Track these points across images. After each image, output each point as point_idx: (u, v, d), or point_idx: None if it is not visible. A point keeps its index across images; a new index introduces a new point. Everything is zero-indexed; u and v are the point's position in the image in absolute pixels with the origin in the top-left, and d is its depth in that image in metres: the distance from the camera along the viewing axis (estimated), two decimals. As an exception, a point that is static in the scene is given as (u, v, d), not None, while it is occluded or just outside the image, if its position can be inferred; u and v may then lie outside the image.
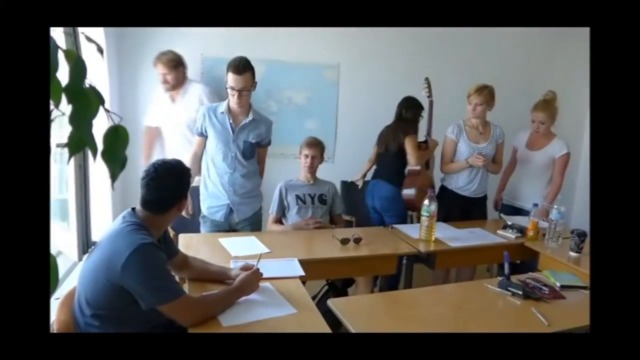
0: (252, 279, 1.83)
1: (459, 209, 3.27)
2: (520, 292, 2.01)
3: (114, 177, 0.57)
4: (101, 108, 0.52)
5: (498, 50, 4.31)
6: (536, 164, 3.34)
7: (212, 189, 2.79)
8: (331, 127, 4.09)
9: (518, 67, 4.37)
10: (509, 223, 3.00)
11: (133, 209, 1.71)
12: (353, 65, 4.06)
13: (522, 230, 2.89)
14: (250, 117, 2.74)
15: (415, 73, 4.19)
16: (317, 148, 3.01)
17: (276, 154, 3.79)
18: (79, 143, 0.53)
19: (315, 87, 4.01)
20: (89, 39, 0.61)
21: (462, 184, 3.30)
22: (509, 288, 2.05)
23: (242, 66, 2.58)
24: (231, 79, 2.58)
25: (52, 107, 0.53)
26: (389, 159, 3.26)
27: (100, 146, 0.59)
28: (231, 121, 2.70)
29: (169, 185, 1.67)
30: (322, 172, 3.15)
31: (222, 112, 2.72)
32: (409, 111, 3.31)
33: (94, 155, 0.56)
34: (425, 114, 3.37)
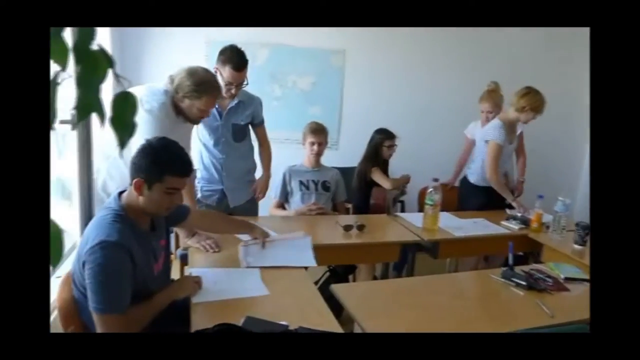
0: (186, 283, 1.77)
1: (482, 199, 3.23)
2: (524, 283, 2.00)
3: (122, 143, 0.55)
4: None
5: (506, 42, 4.26)
6: None
7: (205, 174, 2.77)
8: (335, 113, 4.06)
9: (528, 64, 4.32)
10: (513, 214, 2.98)
11: (120, 192, 1.65)
12: (359, 51, 4.02)
13: (525, 222, 2.87)
14: (236, 100, 2.68)
15: (421, 61, 4.16)
16: (322, 134, 2.98)
17: (279, 139, 3.77)
18: (87, 108, 0.51)
19: (321, 72, 3.98)
20: None
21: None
22: (513, 278, 2.04)
23: (242, 63, 2.53)
24: (229, 74, 2.51)
25: (58, 69, 0.51)
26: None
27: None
28: (217, 106, 2.63)
29: (134, 155, 1.57)
30: (326, 158, 3.12)
31: None
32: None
33: (102, 121, 0.53)
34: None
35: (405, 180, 3.29)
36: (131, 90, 0.59)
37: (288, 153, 3.32)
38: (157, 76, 3.54)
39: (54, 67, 0.51)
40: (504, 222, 2.91)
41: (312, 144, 2.96)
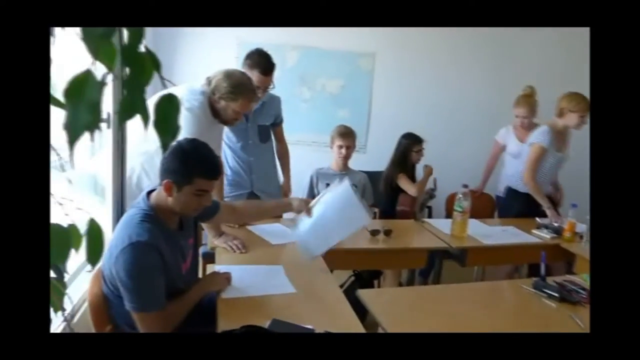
0: (218, 278, 1.79)
1: (524, 206, 3.18)
2: (557, 295, 1.94)
3: (164, 146, 0.55)
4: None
5: (537, 46, 4.17)
6: None
7: (231, 177, 2.76)
8: (364, 116, 4.05)
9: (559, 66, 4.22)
10: (545, 223, 2.90)
11: (149, 192, 1.67)
12: (389, 54, 4.00)
13: (557, 231, 2.80)
14: (262, 100, 2.69)
15: (450, 65, 4.11)
16: (350, 138, 2.97)
17: (307, 141, 3.78)
18: (132, 109, 0.51)
19: (350, 75, 3.97)
20: None
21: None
22: (545, 289, 1.99)
23: (269, 68, 2.56)
24: (257, 78, 2.52)
25: (105, 71, 0.51)
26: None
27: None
28: (252, 104, 2.64)
29: (165, 157, 1.57)
30: (353, 162, 3.11)
31: None
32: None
33: (146, 123, 0.54)
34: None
35: (428, 172, 3.22)
36: (171, 89, 0.60)
37: (316, 156, 3.33)
38: (189, 77, 3.60)
39: (101, 68, 0.52)
40: (535, 231, 2.84)
41: (340, 147, 2.95)
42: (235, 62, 3.69)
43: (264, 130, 2.76)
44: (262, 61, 2.54)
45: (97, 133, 0.54)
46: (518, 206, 3.14)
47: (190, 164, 1.57)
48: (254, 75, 2.51)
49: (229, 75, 2.23)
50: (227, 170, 2.76)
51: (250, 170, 2.74)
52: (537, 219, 3.01)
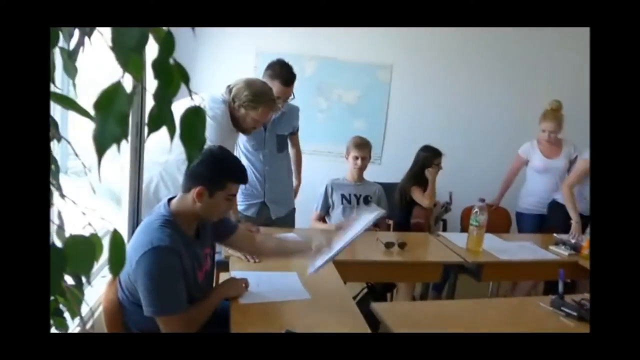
0: (236, 283, 1.81)
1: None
2: (575, 314, 1.90)
3: (190, 159, 0.55)
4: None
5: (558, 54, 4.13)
6: (559, 169, 3.33)
7: (245, 186, 2.68)
8: (380, 128, 4.04)
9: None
10: (563, 239, 2.86)
11: (170, 199, 1.68)
12: (406, 66, 4.00)
13: (576, 248, 2.75)
14: (280, 110, 2.70)
15: (468, 78, 4.09)
16: (366, 149, 2.96)
17: (323, 151, 3.78)
18: (159, 121, 0.52)
19: (367, 86, 3.97)
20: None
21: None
22: (563, 308, 1.95)
23: (291, 78, 2.57)
24: (278, 89, 2.52)
25: (135, 83, 0.52)
26: None
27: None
28: (272, 113, 2.61)
29: (195, 165, 1.59)
30: (368, 173, 3.10)
31: None
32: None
33: (172, 135, 0.54)
34: None
35: (432, 175, 3.16)
36: (194, 97, 0.60)
37: (332, 166, 3.33)
38: (207, 85, 3.63)
39: (129, 79, 0.52)
40: (552, 247, 2.79)
41: (356, 158, 2.95)
42: (253, 71, 3.73)
43: (282, 140, 2.77)
44: (283, 72, 2.55)
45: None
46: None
47: (223, 169, 1.62)
48: (275, 86, 2.52)
49: (250, 84, 2.25)
50: None
51: (265, 180, 2.73)
52: (555, 235, 2.97)
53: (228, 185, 1.62)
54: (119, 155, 1.97)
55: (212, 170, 1.59)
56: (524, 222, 3.45)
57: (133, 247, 1.55)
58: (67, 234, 0.60)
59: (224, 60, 3.80)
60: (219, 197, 1.61)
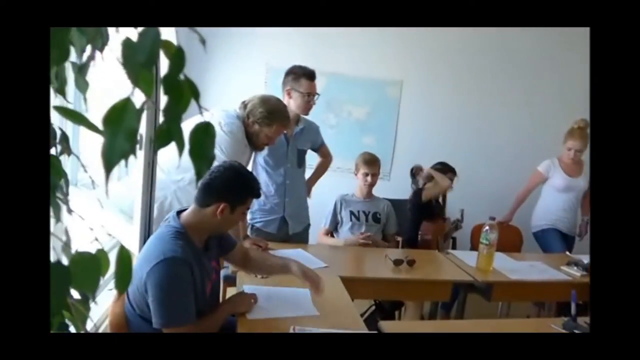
0: (245, 299, 1.79)
1: None
2: (588, 336, 1.86)
3: (199, 175, 0.54)
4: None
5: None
6: (581, 189, 3.32)
7: (264, 201, 2.70)
8: (389, 144, 4.03)
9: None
10: (575, 259, 2.81)
11: (179, 212, 1.68)
12: (416, 82, 4.00)
13: (588, 268, 2.70)
14: (300, 126, 2.72)
15: (478, 94, 4.09)
16: (376, 165, 2.95)
17: (332, 167, 3.75)
18: (167, 136, 0.51)
19: (376, 102, 3.98)
20: (193, 30, 0.59)
21: None
22: (575, 331, 1.91)
23: (314, 73, 2.61)
24: (307, 85, 2.57)
25: (144, 99, 0.51)
26: None
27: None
28: (285, 131, 2.66)
29: (217, 179, 1.61)
30: (377, 189, 3.09)
31: None
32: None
33: (181, 151, 0.53)
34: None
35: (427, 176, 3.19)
36: (206, 113, 0.59)
37: (341, 181, 3.31)
38: (218, 101, 3.67)
39: (140, 95, 0.52)
40: (564, 268, 2.74)
41: (366, 174, 2.93)
42: (264, 87, 3.75)
43: (302, 154, 2.77)
44: (305, 69, 2.59)
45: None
46: None
47: (246, 185, 1.67)
48: (304, 84, 2.56)
49: (266, 100, 2.27)
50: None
51: (285, 194, 2.70)
52: (568, 253, 2.92)
53: (248, 200, 1.68)
54: (132, 171, 1.97)
55: (236, 187, 1.64)
56: (548, 237, 3.36)
57: (144, 259, 1.55)
58: (73, 251, 0.59)
59: (234, 76, 3.83)
60: (238, 212, 1.66)
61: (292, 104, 2.61)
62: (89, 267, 0.56)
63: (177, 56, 0.51)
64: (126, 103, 0.48)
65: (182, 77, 0.52)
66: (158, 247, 1.54)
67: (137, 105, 0.50)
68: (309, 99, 2.60)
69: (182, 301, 1.53)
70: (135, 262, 1.69)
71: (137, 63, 0.48)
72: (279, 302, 1.87)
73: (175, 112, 0.51)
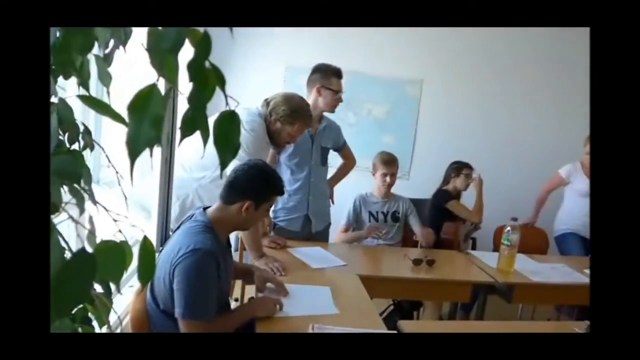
0: (269, 303, 1.75)
1: None
2: (614, 340, 1.81)
3: (224, 164, 0.54)
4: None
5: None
6: None
7: (287, 199, 2.68)
8: (408, 143, 4.00)
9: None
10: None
11: (205, 208, 1.70)
12: (436, 81, 3.96)
13: (613, 272, 2.63)
14: (324, 123, 2.71)
15: (499, 94, 4.03)
16: (394, 165, 2.92)
17: (350, 165, 3.75)
18: (193, 125, 0.50)
19: (396, 101, 3.95)
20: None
21: None
22: (600, 334, 1.85)
23: (341, 71, 2.60)
24: (336, 83, 2.57)
25: (170, 87, 0.51)
26: None
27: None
28: (309, 130, 2.64)
29: (242, 177, 1.65)
30: (396, 188, 3.06)
31: None
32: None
33: (205, 140, 0.53)
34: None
35: (478, 184, 3.16)
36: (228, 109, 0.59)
37: (360, 180, 3.28)
38: (238, 98, 3.66)
39: (163, 83, 0.51)
40: (587, 271, 2.68)
41: (384, 175, 2.90)
42: (283, 85, 3.76)
43: (325, 152, 2.76)
44: (333, 67, 2.59)
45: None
46: None
47: (269, 183, 1.70)
48: (334, 82, 2.56)
49: (289, 99, 2.27)
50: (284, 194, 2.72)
51: (309, 192, 2.69)
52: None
53: (272, 198, 1.71)
54: (151, 169, 1.99)
55: (261, 185, 1.67)
56: (568, 242, 3.27)
57: (172, 250, 1.56)
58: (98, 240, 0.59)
59: (253, 75, 3.84)
60: (263, 209, 1.69)
61: (321, 101, 2.60)
62: (114, 256, 0.56)
63: (203, 42, 0.50)
64: (152, 89, 0.48)
65: (207, 64, 0.51)
66: (188, 239, 1.55)
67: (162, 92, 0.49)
68: (338, 96, 2.59)
69: (203, 295, 1.53)
70: (157, 257, 1.70)
71: (162, 49, 0.48)
72: (299, 300, 1.86)
73: (200, 100, 0.50)
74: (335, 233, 2.97)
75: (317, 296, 1.91)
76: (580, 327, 1.93)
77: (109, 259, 0.55)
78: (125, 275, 0.69)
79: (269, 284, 1.88)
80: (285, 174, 2.67)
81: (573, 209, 3.26)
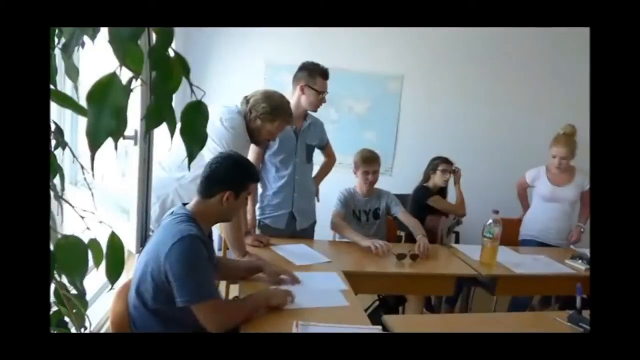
0: (281, 294, 1.76)
1: None
2: (594, 329, 1.83)
3: (191, 156, 0.52)
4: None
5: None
6: (567, 198, 3.14)
7: (272, 196, 2.68)
8: (390, 139, 4.01)
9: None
10: (580, 253, 2.78)
11: (184, 204, 1.71)
12: (417, 77, 3.97)
13: (593, 262, 2.67)
14: (309, 121, 2.70)
15: (481, 90, 4.06)
16: (376, 163, 2.88)
17: (333, 162, 3.74)
18: (158, 116, 0.49)
19: (377, 97, 3.95)
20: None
21: None
22: (581, 323, 1.88)
23: (328, 72, 2.59)
24: (322, 83, 2.56)
25: (132, 76, 0.49)
26: None
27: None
28: (293, 127, 2.63)
29: (218, 169, 1.67)
30: (379, 184, 3.04)
31: None
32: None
33: (172, 131, 0.51)
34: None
35: (458, 178, 3.23)
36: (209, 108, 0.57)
37: (342, 177, 3.26)
38: (216, 97, 3.65)
39: (126, 73, 0.49)
40: (568, 261, 2.72)
41: (366, 173, 2.85)
42: (263, 83, 3.73)
43: (310, 150, 2.75)
44: (319, 67, 2.58)
45: (124, 152, 0.51)
46: None
47: (245, 172, 1.74)
48: (319, 82, 2.54)
49: (269, 96, 2.26)
50: (268, 191, 2.69)
51: (294, 189, 2.67)
52: (572, 246, 2.89)
53: (248, 185, 1.74)
54: (127, 167, 1.95)
55: (239, 174, 1.71)
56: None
57: (157, 245, 1.55)
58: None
59: (233, 72, 3.81)
60: (242, 198, 1.73)
61: (304, 100, 2.58)
62: (74, 251, 0.54)
63: (165, 29, 0.49)
64: (111, 78, 0.46)
65: (171, 52, 0.49)
66: (172, 230, 1.56)
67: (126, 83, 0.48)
68: (322, 96, 2.58)
69: (204, 276, 1.55)
70: (138, 258, 1.68)
71: (122, 38, 0.46)
72: (307, 290, 1.91)
73: (165, 89, 0.48)
74: (321, 231, 2.95)
75: (329, 284, 2.02)
76: (561, 316, 1.95)
77: (68, 254, 0.53)
78: (104, 282, 0.67)
79: (282, 276, 1.96)
80: (270, 172, 2.66)
81: (537, 214, 3.23)
